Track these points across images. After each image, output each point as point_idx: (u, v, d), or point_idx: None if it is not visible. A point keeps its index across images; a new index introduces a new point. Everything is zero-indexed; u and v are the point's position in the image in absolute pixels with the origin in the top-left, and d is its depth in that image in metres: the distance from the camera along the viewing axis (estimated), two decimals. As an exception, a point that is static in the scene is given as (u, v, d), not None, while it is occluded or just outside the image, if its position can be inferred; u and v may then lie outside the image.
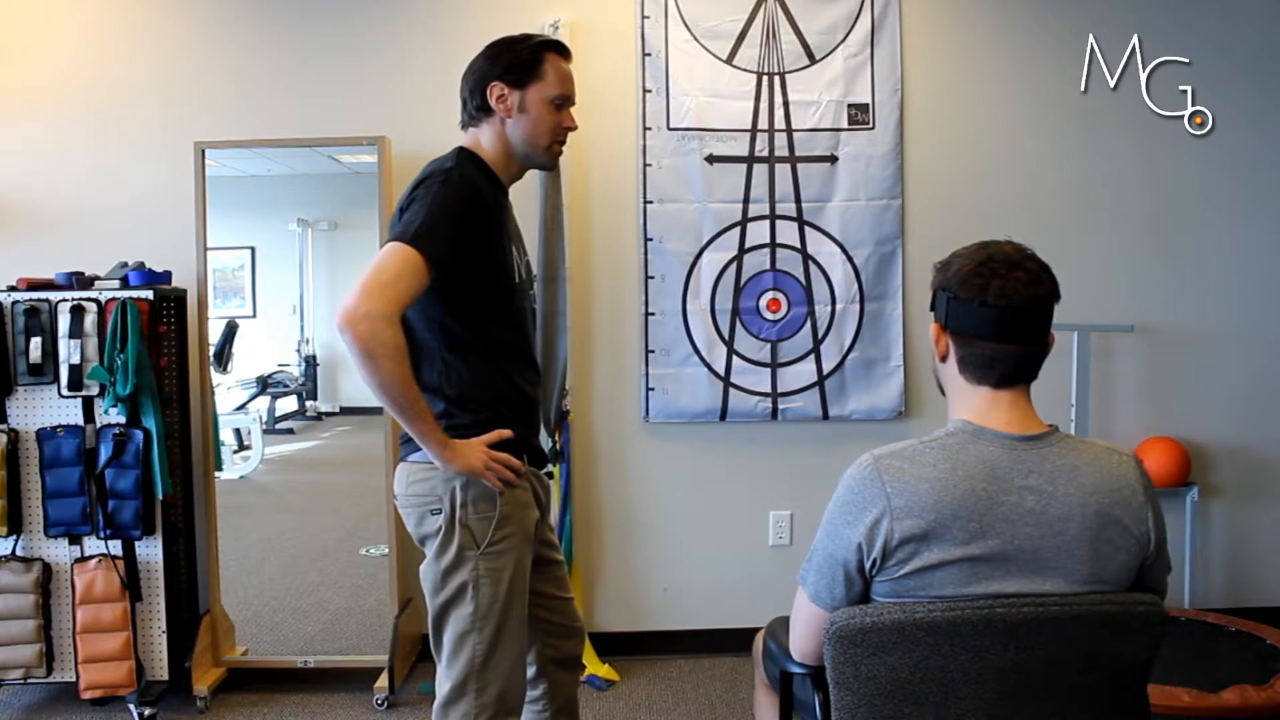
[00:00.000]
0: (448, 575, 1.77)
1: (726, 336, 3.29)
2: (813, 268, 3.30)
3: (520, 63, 1.82)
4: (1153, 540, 1.39)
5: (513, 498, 1.80)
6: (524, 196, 3.25)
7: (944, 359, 1.45)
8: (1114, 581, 1.37)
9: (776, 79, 3.26)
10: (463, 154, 1.82)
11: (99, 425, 2.85)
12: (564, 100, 1.85)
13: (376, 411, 3.02)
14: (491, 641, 1.77)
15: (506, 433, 1.78)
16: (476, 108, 1.84)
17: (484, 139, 1.85)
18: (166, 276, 3.02)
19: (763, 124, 3.26)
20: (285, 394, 4.41)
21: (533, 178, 3.22)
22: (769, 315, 3.31)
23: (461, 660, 1.77)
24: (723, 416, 3.31)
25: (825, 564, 1.41)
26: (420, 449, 1.74)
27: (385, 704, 2.94)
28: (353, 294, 1.59)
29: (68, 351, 2.82)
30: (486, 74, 1.82)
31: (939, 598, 1.33)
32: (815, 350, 3.31)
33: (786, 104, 3.26)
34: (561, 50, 1.86)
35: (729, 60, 3.25)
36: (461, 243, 1.70)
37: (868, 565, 1.36)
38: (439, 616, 1.80)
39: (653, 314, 3.29)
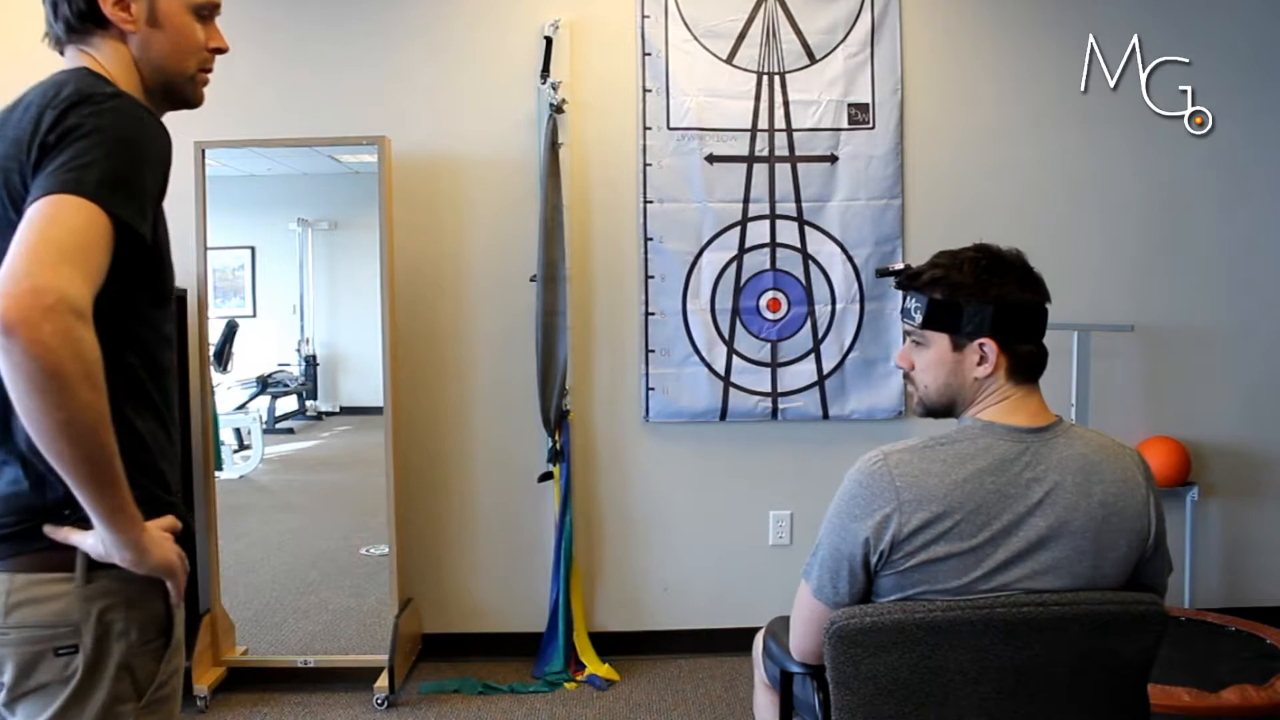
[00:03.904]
0: None
1: (726, 336, 3.29)
2: (813, 267, 3.30)
3: None
4: (1152, 534, 1.41)
5: (179, 613, 1.23)
6: (523, 196, 3.26)
7: (993, 371, 1.43)
8: (1115, 573, 1.38)
9: (776, 79, 3.26)
10: (96, 75, 1.20)
11: (98, 425, 2.82)
12: (210, 9, 1.35)
13: (376, 411, 3.02)
14: None
15: (175, 520, 1.19)
16: (78, 15, 1.24)
17: (105, 61, 1.24)
18: (166, 276, 3.01)
19: (763, 124, 3.26)
20: (285, 393, 4.42)
21: (533, 177, 3.22)
22: (769, 315, 3.31)
23: None
24: (723, 416, 3.31)
25: (830, 558, 1.42)
26: (20, 550, 1.12)
27: (385, 704, 2.94)
28: (17, 272, 0.97)
29: (67, 351, 2.79)
30: None
31: (944, 590, 1.34)
32: (815, 350, 3.31)
33: (786, 104, 3.26)
34: None
35: (729, 60, 3.25)
36: (153, 206, 1.15)
37: (874, 560, 1.37)
38: None
39: (653, 314, 3.29)
